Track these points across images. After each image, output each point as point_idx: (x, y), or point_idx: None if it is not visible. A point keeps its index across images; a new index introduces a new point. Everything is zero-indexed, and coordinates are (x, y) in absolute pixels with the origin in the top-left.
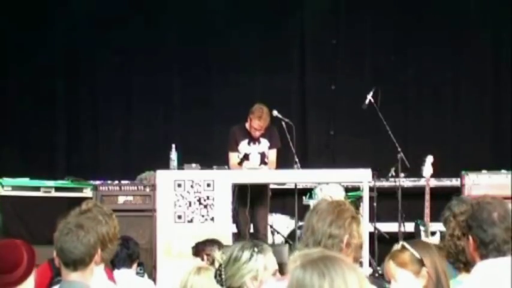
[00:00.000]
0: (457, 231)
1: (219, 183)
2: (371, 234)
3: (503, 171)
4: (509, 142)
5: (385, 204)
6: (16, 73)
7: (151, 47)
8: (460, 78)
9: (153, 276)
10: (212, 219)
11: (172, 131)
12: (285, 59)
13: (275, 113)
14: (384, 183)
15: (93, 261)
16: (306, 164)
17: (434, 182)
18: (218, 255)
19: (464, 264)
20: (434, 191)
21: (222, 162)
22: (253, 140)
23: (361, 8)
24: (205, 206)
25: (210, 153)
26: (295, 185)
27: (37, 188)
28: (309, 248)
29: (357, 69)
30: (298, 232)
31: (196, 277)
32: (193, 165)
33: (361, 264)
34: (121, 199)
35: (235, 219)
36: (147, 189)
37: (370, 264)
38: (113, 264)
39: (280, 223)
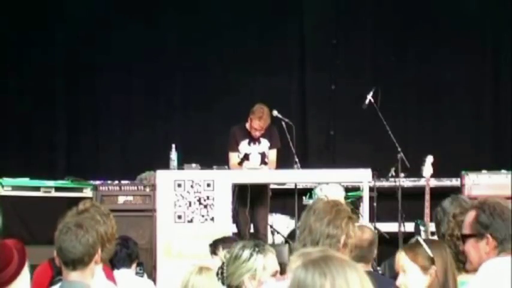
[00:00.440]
0: (456, 231)
1: (219, 183)
2: None
3: (503, 171)
4: (509, 142)
5: (385, 204)
6: (16, 73)
7: (151, 47)
8: (460, 79)
9: (152, 276)
10: (212, 219)
11: (172, 131)
12: (285, 59)
13: (275, 113)
14: (384, 183)
15: (93, 261)
16: (306, 164)
17: (434, 182)
18: (222, 254)
19: (464, 264)
20: (434, 191)
21: (222, 162)
22: (253, 140)
23: (361, 8)
24: (205, 206)
25: (210, 153)
26: (295, 185)
27: (37, 188)
28: (306, 248)
29: (357, 69)
30: (298, 232)
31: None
32: (193, 165)
33: None
34: (121, 199)
35: (235, 219)
36: (147, 189)
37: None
38: (113, 264)
39: (280, 223)
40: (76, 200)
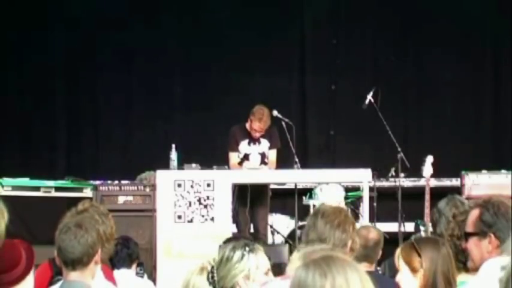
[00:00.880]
0: (456, 231)
1: (219, 183)
2: None
3: (503, 171)
4: (509, 142)
5: (385, 204)
6: (16, 73)
7: (151, 47)
8: (459, 78)
9: (153, 277)
10: (212, 219)
11: (172, 131)
12: (285, 59)
13: (275, 113)
14: (384, 183)
15: (92, 261)
16: (306, 164)
17: (434, 182)
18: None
19: (464, 264)
20: (434, 191)
21: (222, 162)
22: (253, 140)
23: (361, 8)
24: (205, 206)
25: (210, 153)
26: (295, 185)
27: (37, 188)
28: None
29: (357, 69)
30: (298, 232)
31: (198, 277)
32: (193, 165)
33: None
34: (121, 199)
35: (235, 219)
36: (147, 189)
37: None
38: (113, 264)
39: (280, 223)
40: (76, 200)
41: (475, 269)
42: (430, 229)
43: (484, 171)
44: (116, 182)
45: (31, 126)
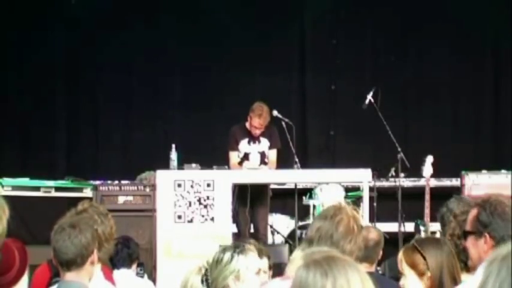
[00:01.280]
0: (457, 230)
1: (219, 183)
2: None
3: (503, 171)
4: (509, 142)
5: (385, 204)
6: (16, 73)
7: (151, 47)
8: (459, 78)
9: (152, 277)
10: (212, 219)
11: (172, 131)
12: (285, 59)
13: (275, 113)
14: (384, 183)
15: (87, 262)
16: (306, 164)
17: (434, 182)
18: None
19: (465, 263)
20: (434, 191)
21: (222, 162)
22: (253, 139)
23: (361, 8)
24: (205, 206)
25: (210, 153)
26: (295, 185)
27: (37, 188)
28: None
29: (357, 69)
30: (298, 232)
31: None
32: (193, 165)
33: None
34: (121, 199)
35: (235, 219)
36: (147, 189)
37: None
38: (113, 263)
39: (280, 223)
40: (76, 200)
41: (475, 268)
42: (430, 229)
43: (484, 171)
44: (116, 182)
45: (31, 126)
